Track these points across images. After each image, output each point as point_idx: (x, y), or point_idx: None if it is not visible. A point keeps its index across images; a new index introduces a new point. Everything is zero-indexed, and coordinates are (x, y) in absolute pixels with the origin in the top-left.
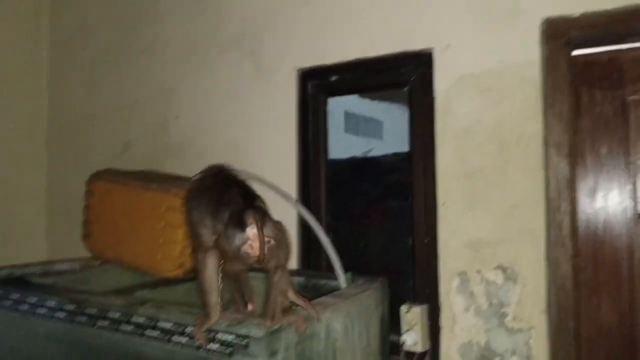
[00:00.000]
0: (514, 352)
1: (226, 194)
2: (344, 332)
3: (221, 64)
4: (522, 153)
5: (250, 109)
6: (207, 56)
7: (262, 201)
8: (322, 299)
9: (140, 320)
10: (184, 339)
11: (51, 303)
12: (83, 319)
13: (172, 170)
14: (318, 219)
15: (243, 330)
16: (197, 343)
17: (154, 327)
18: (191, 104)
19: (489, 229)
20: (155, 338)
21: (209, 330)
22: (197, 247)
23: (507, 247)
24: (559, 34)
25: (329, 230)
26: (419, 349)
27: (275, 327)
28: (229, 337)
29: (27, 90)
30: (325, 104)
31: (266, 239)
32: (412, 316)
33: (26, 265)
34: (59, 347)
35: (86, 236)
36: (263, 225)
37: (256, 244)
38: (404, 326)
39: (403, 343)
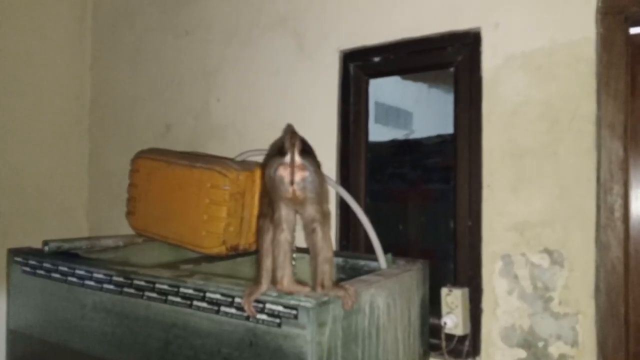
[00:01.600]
0: (559, 337)
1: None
2: (387, 309)
3: (264, 45)
4: (574, 133)
5: (291, 90)
6: (249, 37)
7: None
8: (366, 276)
9: (189, 291)
10: (232, 310)
11: (99, 275)
12: (131, 290)
13: (214, 152)
14: (357, 201)
15: (292, 301)
16: (247, 313)
17: (202, 299)
18: (233, 85)
19: (536, 211)
20: (203, 309)
21: (258, 301)
22: (259, 214)
23: (554, 230)
24: (616, 10)
25: (367, 213)
26: (459, 331)
27: (324, 298)
28: (278, 308)
29: (71, 71)
30: (367, 85)
31: (300, 165)
32: (453, 299)
33: (73, 240)
34: (107, 318)
35: (130, 213)
36: (302, 153)
37: (290, 168)
38: (444, 309)
39: (444, 325)
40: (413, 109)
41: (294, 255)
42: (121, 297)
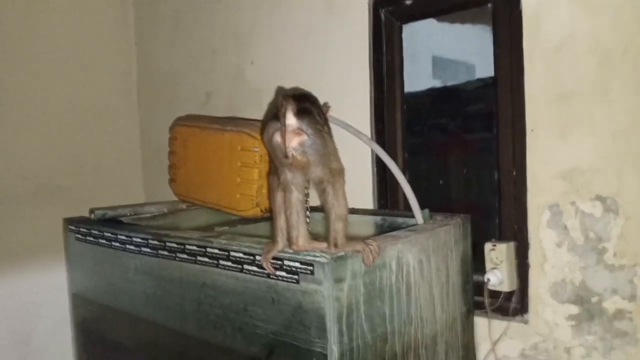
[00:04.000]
0: (614, 291)
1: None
2: (419, 266)
3: (293, 5)
4: (628, 69)
5: (322, 46)
6: None
7: (316, 106)
8: (395, 232)
9: (215, 251)
10: (254, 268)
11: (138, 239)
12: (165, 252)
13: (252, 117)
14: (394, 156)
15: (308, 257)
16: (267, 271)
17: (227, 258)
18: (266, 49)
19: (586, 157)
20: (228, 268)
21: (277, 258)
22: (268, 172)
23: (606, 176)
24: None
25: (406, 169)
26: (505, 288)
27: (341, 253)
28: (295, 264)
29: (118, 48)
30: (400, 31)
31: (296, 129)
32: (498, 254)
33: (118, 207)
34: (147, 279)
35: (171, 180)
36: (297, 115)
37: (283, 137)
38: (488, 264)
39: (487, 282)
40: (457, 54)
41: (309, 213)
42: (157, 260)
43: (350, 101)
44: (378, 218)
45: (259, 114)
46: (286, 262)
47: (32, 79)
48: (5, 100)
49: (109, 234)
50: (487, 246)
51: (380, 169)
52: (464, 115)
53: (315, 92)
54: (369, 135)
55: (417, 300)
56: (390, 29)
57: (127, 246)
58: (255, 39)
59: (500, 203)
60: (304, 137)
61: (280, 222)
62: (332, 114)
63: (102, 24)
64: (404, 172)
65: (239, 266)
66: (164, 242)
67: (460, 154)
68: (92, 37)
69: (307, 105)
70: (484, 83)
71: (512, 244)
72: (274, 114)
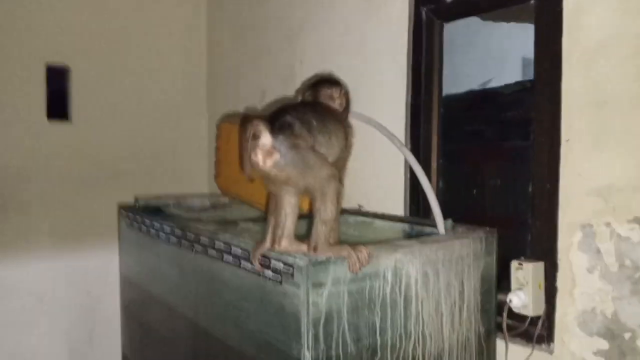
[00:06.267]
0: None
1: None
2: (423, 278)
3: (337, 3)
4: None
5: (362, 47)
6: None
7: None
8: (396, 241)
9: (221, 245)
10: (249, 265)
11: (167, 228)
12: (186, 243)
13: None
14: (428, 162)
15: (290, 259)
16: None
17: (229, 253)
18: (313, 47)
19: (624, 173)
20: (230, 263)
21: (266, 257)
22: None
23: None
24: None
25: (440, 176)
26: (528, 312)
27: (322, 258)
28: (279, 265)
29: (188, 47)
30: (441, 30)
31: (269, 148)
32: (524, 274)
33: (162, 197)
34: (173, 267)
35: (216, 176)
36: (273, 134)
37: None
38: (513, 284)
39: (508, 302)
40: (497, 55)
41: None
42: (179, 250)
43: (387, 102)
44: (406, 225)
45: None
46: (273, 262)
47: (111, 76)
48: (86, 94)
49: (147, 222)
50: (513, 264)
51: (414, 175)
52: (501, 121)
53: (358, 92)
54: (403, 139)
55: (419, 315)
56: (430, 28)
57: (160, 234)
58: (303, 37)
59: (533, 218)
60: (277, 156)
61: (271, 222)
62: (367, 113)
63: (176, 27)
64: (437, 180)
65: (238, 262)
66: (185, 233)
67: (495, 163)
68: (165, 39)
69: (286, 119)
70: (523, 87)
71: (540, 264)
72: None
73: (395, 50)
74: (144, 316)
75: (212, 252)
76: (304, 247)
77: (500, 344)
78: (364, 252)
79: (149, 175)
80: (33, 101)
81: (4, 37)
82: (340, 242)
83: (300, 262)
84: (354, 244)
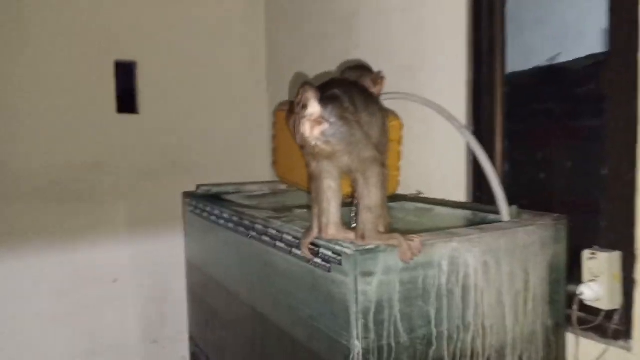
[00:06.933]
0: None
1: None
2: (483, 268)
3: None
4: None
5: (421, 23)
6: None
7: (349, 91)
8: (453, 229)
9: (273, 232)
10: (299, 252)
11: (225, 215)
12: (242, 229)
13: None
14: (492, 145)
15: (337, 247)
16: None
17: (281, 240)
18: (369, 30)
19: None
20: (281, 249)
21: (315, 245)
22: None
23: None
24: None
25: (505, 159)
26: (602, 305)
27: (370, 246)
28: (328, 253)
29: (249, 39)
30: (503, 3)
31: (318, 118)
32: (597, 264)
33: (221, 185)
34: (232, 253)
35: (273, 163)
36: (321, 103)
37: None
38: (585, 275)
39: (578, 295)
40: (567, 26)
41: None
42: (237, 236)
43: (446, 83)
44: (468, 212)
45: None
46: (321, 250)
47: (175, 69)
48: (153, 87)
49: (207, 208)
50: (585, 254)
51: (476, 158)
52: (571, 99)
53: (415, 73)
54: (464, 120)
55: (478, 306)
56: (491, 0)
57: (219, 221)
58: (359, 20)
59: (607, 204)
60: (326, 126)
61: (315, 210)
62: (426, 95)
63: (235, 18)
64: (502, 163)
65: (289, 249)
66: (241, 219)
67: (565, 144)
68: (225, 30)
69: (335, 92)
70: (596, 60)
71: (616, 254)
72: (297, 102)
73: (454, 27)
74: (207, 299)
75: (265, 238)
76: (351, 234)
77: (570, 338)
78: (416, 240)
79: (213, 164)
80: (104, 96)
81: (76, 38)
82: (394, 229)
83: (348, 250)
84: (406, 233)
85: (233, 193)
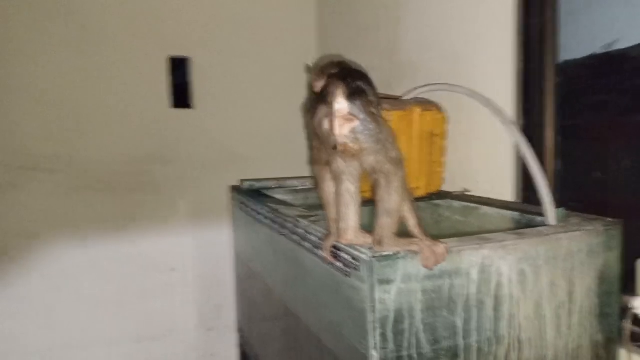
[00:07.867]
0: None
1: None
2: (520, 277)
3: None
4: None
5: (467, 12)
6: None
7: (369, 82)
8: (486, 234)
9: (300, 231)
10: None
11: (263, 211)
12: (276, 226)
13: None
14: (541, 140)
15: (355, 252)
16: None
17: (307, 240)
18: (415, 19)
19: None
20: (307, 249)
21: (337, 248)
22: (311, 161)
23: None
24: None
25: (556, 156)
26: None
27: (388, 252)
28: (348, 257)
29: (299, 34)
30: None
31: (347, 114)
32: None
33: (264, 180)
34: (269, 248)
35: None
36: (349, 98)
37: (333, 121)
38: (639, 287)
39: (630, 309)
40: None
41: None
42: (272, 232)
43: (493, 75)
44: (515, 213)
45: (410, 86)
46: (342, 254)
47: (227, 64)
48: (206, 82)
49: (248, 203)
50: (639, 263)
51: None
52: (631, 89)
53: (462, 64)
54: (511, 113)
55: (514, 318)
56: None
57: (258, 216)
58: (402, 12)
59: None
60: (356, 123)
61: (331, 213)
62: (472, 86)
63: (287, 13)
64: (554, 161)
65: (314, 249)
66: (275, 215)
67: (624, 140)
68: (277, 26)
69: (360, 85)
70: None
71: None
72: (322, 96)
73: (502, 12)
74: (251, 292)
75: (295, 237)
76: (370, 239)
77: (622, 354)
78: (440, 247)
79: (264, 157)
80: (159, 91)
81: (130, 36)
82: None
83: (365, 256)
84: (432, 238)
85: (274, 188)
